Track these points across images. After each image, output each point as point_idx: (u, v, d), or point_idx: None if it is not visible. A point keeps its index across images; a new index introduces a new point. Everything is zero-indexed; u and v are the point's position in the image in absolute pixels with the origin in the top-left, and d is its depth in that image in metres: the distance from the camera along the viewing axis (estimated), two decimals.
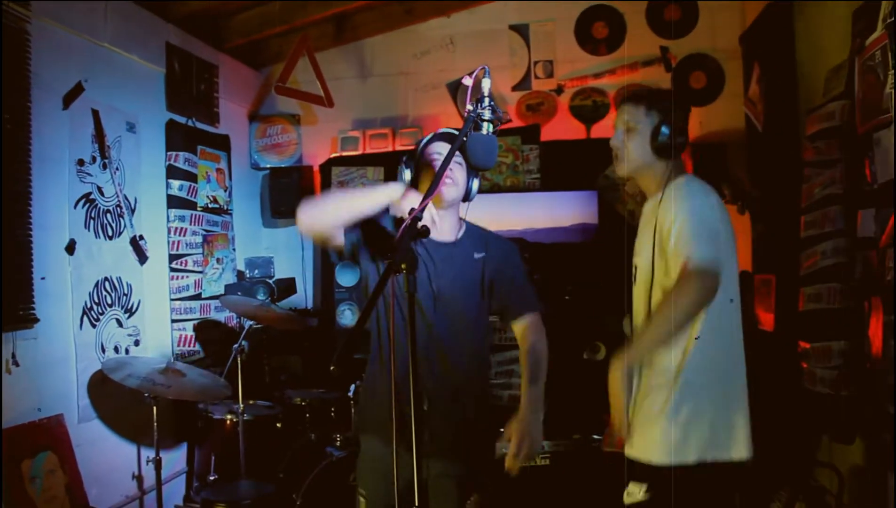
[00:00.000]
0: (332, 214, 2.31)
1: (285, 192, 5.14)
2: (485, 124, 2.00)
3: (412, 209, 1.67)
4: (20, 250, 3.12)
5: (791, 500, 3.08)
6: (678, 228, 2.09)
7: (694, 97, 4.74)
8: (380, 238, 2.42)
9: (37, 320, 3.19)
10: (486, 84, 2.04)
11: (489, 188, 4.89)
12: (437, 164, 2.41)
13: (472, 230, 2.57)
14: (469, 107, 2.00)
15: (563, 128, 4.94)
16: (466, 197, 2.49)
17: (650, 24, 4.84)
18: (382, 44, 5.26)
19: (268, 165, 5.31)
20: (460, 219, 2.55)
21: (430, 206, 2.44)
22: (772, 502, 3.11)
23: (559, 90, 4.98)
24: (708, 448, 2.14)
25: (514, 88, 5.06)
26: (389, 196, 2.19)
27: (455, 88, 5.03)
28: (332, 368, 1.37)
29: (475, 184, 2.49)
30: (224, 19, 4.68)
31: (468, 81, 2.06)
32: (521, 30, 5.04)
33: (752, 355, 3.83)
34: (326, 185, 5.16)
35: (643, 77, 4.82)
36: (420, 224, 1.62)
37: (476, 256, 2.47)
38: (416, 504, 1.58)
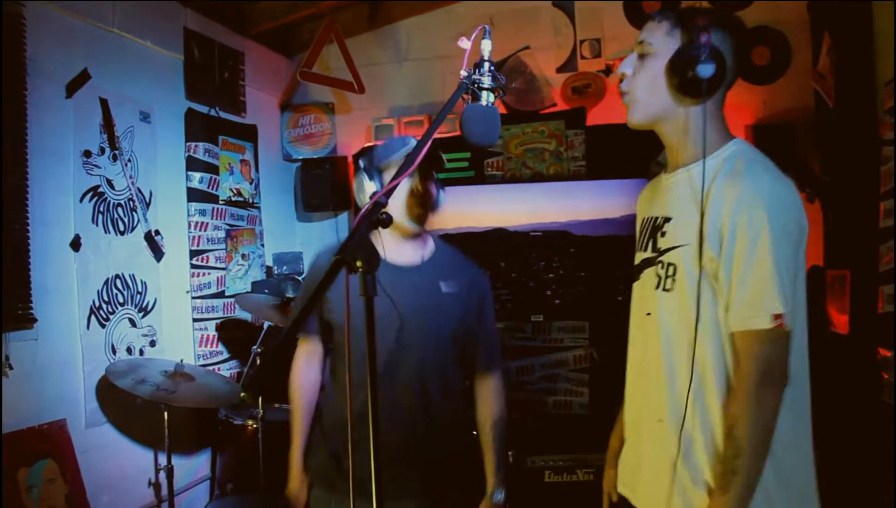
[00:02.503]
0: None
1: (317, 184, 4.89)
2: (484, 93, 1.68)
3: (374, 193, 1.37)
4: (16, 247, 2.93)
5: None
6: (756, 251, 1.52)
7: (757, 75, 4.30)
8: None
9: (35, 320, 3.00)
10: (486, 46, 1.73)
11: (530, 177, 4.54)
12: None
13: (441, 254, 2.27)
14: (463, 73, 1.68)
15: (610, 111, 4.54)
16: (434, 208, 2.19)
17: None
18: (418, 26, 4.96)
19: (300, 157, 5.07)
20: (427, 236, 2.25)
21: (389, 232, 2.15)
22: None
23: (607, 71, 4.58)
24: None
25: (559, 70, 4.68)
26: None
27: (496, 69, 4.70)
28: (241, 395, 1.08)
29: (441, 196, 2.18)
30: (249, 3, 4.45)
31: (465, 44, 1.76)
32: (566, 6, 4.65)
33: (824, 362, 3.45)
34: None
35: None
36: (384, 212, 1.30)
37: (445, 289, 2.16)
38: None
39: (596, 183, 4.42)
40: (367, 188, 2.14)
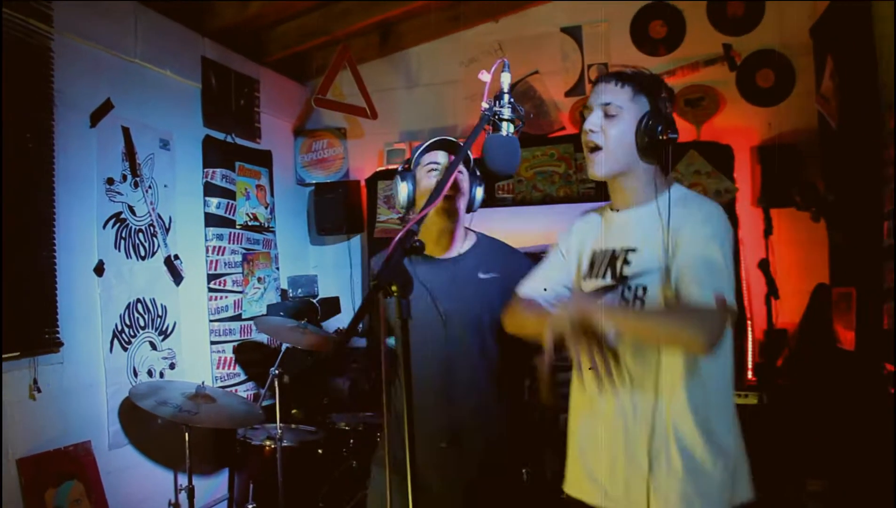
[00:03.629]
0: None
1: (330, 208, 4.99)
2: (504, 124, 1.77)
3: (407, 221, 1.45)
4: (43, 273, 3.02)
5: None
6: (708, 257, 1.73)
7: (761, 97, 4.39)
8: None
9: (61, 344, 3.08)
10: (505, 78, 1.81)
11: (541, 199, 4.62)
12: (433, 175, 2.21)
13: (481, 244, 2.35)
14: (485, 105, 1.77)
15: None
16: (470, 207, 2.26)
17: (711, 20, 4.49)
18: (429, 52, 5.07)
19: (313, 181, 5.17)
20: (466, 229, 2.32)
21: (426, 228, 2.25)
22: None
23: None
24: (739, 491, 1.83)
25: (567, 94, 4.78)
26: None
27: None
28: (293, 411, 1.15)
29: (479, 192, 2.25)
30: (264, 32, 4.56)
31: (485, 77, 1.84)
32: (573, 32, 4.76)
33: (832, 378, 3.50)
34: (372, 199, 4.98)
35: (705, 77, 4.48)
36: (416, 239, 1.38)
37: (482, 275, 2.24)
38: None
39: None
40: (400, 190, 2.25)
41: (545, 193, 4.63)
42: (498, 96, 1.79)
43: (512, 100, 1.78)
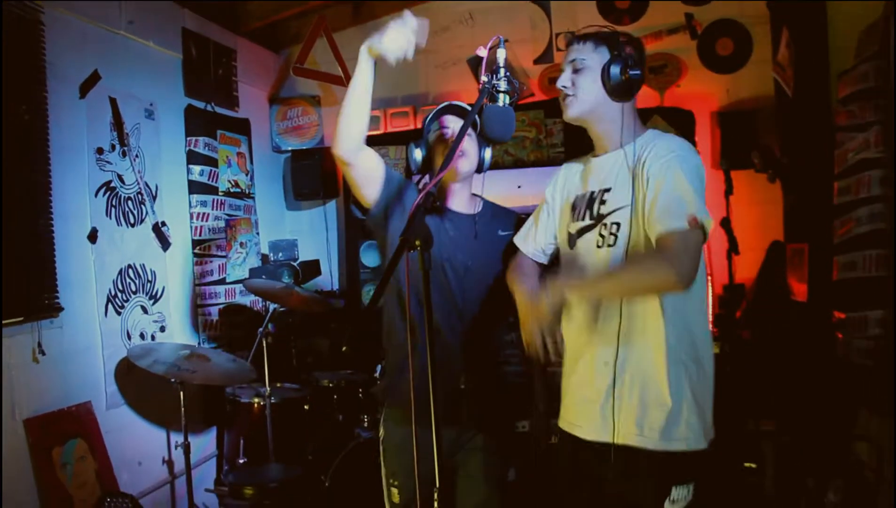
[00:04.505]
0: (344, 119, 2.23)
1: (307, 174, 5.12)
2: (501, 96, 1.95)
3: (425, 184, 1.62)
4: (42, 240, 3.12)
5: (827, 474, 3.01)
6: (677, 192, 1.88)
7: (720, 64, 4.62)
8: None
9: (61, 308, 3.19)
10: (501, 54, 1.98)
11: (512, 163, 4.81)
12: (448, 135, 2.37)
13: (490, 207, 2.52)
14: (484, 78, 1.94)
15: None
16: (479, 169, 2.44)
17: None
18: None
19: (289, 148, 5.28)
20: (474, 195, 2.50)
21: (448, 183, 2.42)
22: (807, 477, 3.04)
23: None
24: (710, 428, 2.04)
25: (536, 62, 4.96)
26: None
27: (476, 64, 4.93)
28: (343, 349, 1.33)
29: (487, 154, 2.43)
30: (240, 3, 4.63)
31: (483, 52, 2.01)
32: (542, 2, 4.92)
33: (786, 326, 3.77)
34: None
35: (668, 45, 4.70)
36: (435, 200, 1.56)
37: (502, 233, 2.43)
38: (437, 484, 1.54)
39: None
40: (414, 154, 2.43)
41: (516, 157, 4.82)
42: (495, 71, 1.95)
43: (508, 74, 1.95)
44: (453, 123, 2.40)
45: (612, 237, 2.02)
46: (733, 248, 3.55)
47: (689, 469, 1.98)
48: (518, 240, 2.34)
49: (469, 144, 2.37)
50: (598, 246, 2.06)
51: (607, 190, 2.07)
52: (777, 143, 4.18)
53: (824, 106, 3.40)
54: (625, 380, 1.99)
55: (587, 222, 2.11)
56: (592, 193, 2.12)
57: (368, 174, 2.31)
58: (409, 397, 2.26)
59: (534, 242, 2.31)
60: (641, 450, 1.97)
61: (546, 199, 2.33)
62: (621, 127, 2.07)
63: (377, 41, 2.04)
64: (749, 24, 4.58)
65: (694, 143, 4.48)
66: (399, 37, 2.03)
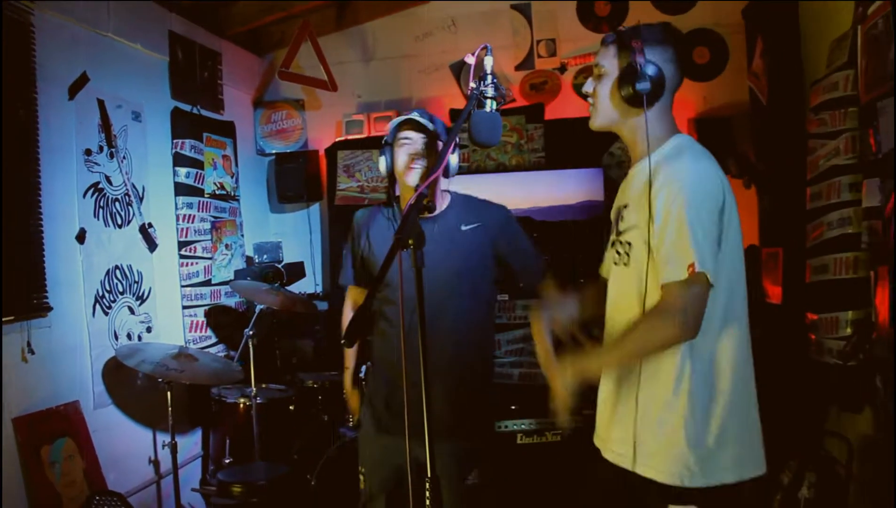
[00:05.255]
0: None
1: (291, 177, 5.18)
2: (488, 102, 2.02)
3: (417, 186, 1.69)
4: (32, 240, 3.15)
5: (801, 470, 3.09)
6: (678, 238, 1.78)
7: (698, 72, 4.73)
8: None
9: (50, 308, 3.23)
10: (488, 62, 2.05)
11: (494, 168, 4.90)
12: (406, 147, 2.48)
13: (458, 201, 2.60)
14: (472, 85, 2.01)
15: (566, 106, 4.94)
16: (446, 173, 2.51)
17: (652, 0, 4.82)
18: (384, 27, 5.26)
19: (273, 151, 5.33)
20: (443, 192, 2.57)
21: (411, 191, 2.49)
22: (781, 472, 3.13)
23: (562, 69, 4.97)
24: (745, 465, 1.91)
25: (518, 68, 5.05)
26: None
27: (458, 69, 5.03)
28: (343, 342, 1.40)
29: (453, 159, 2.49)
30: (225, 7, 4.67)
31: (471, 60, 2.07)
32: (523, 9, 5.01)
33: (761, 328, 3.86)
34: (332, 169, 5.17)
35: None
36: (426, 201, 1.64)
37: (464, 227, 2.50)
38: (410, 487, 1.61)
39: (554, 173, 4.79)
40: (381, 162, 2.55)
41: (498, 162, 4.91)
42: (482, 77, 2.03)
43: (495, 80, 2.03)
44: (411, 135, 2.50)
45: (626, 257, 1.98)
46: None
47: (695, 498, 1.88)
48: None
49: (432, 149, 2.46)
50: (615, 263, 2.05)
51: (626, 205, 2.03)
52: (752, 149, 4.29)
53: (798, 114, 3.51)
54: (639, 409, 1.93)
55: (613, 236, 2.11)
56: (619, 207, 2.09)
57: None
58: (379, 394, 2.35)
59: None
60: (651, 481, 1.91)
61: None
62: (642, 140, 1.95)
63: None
64: (725, 33, 4.70)
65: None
66: None
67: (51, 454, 3.15)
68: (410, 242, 1.57)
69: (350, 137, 5.17)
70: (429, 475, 1.56)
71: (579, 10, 4.94)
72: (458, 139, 2.55)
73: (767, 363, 3.61)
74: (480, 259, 2.49)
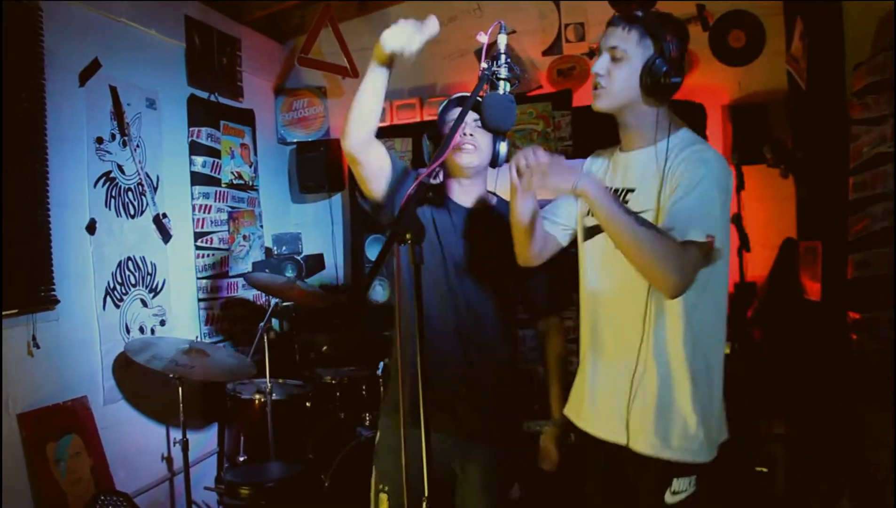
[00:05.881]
0: (354, 113, 2.10)
1: (312, 166, 5.05)
2: (501, 83, 1.87)
3: (419, 174, 1.55)
4: (38, 231, 3.06)
5: (840, 479, 2.93)
6: (705, 205, 1.77)
7: (732, 56, 4.51)
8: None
9: (58, 301, 3.14)
10: (502, 40, 1.90)
11: None
12: (464, 129, 2.28)
13: (503, 204, 2.42)
14: (483, 65, 1.86)
15: None
16: (494, 163, 2.34)
17: None
18: (407, 12, 4.94)
19: (294, 140, 5.21)
20: (489, 193, 2.41)
21: (460, 176, 2.34)
22: (820, 481, 2.96)
23: (591, 54, 4.76)
24: (722, 430, 1.98)
25: (545, 53, 4.86)
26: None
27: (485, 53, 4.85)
28: (324, 348, 1.26)
29: (503, 147, 2.33)
30: None
31: (483, 38, 1.92)
32: None
33: (799, 326, 3.68)
34: None
35: None
36: (428, 191, 1.49)
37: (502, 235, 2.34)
38: (426, 494, 1.46)
39: (582, 162, 4.59)
40: (425, 149, 2.42)
41: None
42: (495, 57, 1.87)
43: (508, 60, 1.87)
44: (469, 115, 2.32)
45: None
46: (744, 245, 3.48)
47: (693, 468, 1.91)
48: (543, 212, 2.19)
49: (481, 137, 2.28)
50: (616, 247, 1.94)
51: (631, 190, 1.97)
52: (790, 137, 4.09)
53: (839, 98, 3.32)
54: (642, 386, 1.92)
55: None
56: (616, 190, 2.00)
57: (377, 169, 2.21)
58: (400, 400, 2.21)
59: (553, 215, 2.19)
60: (651, 457, 1.90)
61: None
62: (655, 124, 1.95)
63: (386, 34, 1.94)
64: (762, 14, 4.46)
65: (705, 137, 4.38)
66: (405, 29, 1.92)
67: (56, 451, 3.07)
68: (408, 236, 1.42)
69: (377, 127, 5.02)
70: (426, 494, 1.42)
71: None
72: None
73: (806, 363, 3.46)
74: (506, 268, 2.30)
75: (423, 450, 1.44)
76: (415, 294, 1.45)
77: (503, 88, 1.87)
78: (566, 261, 2.33)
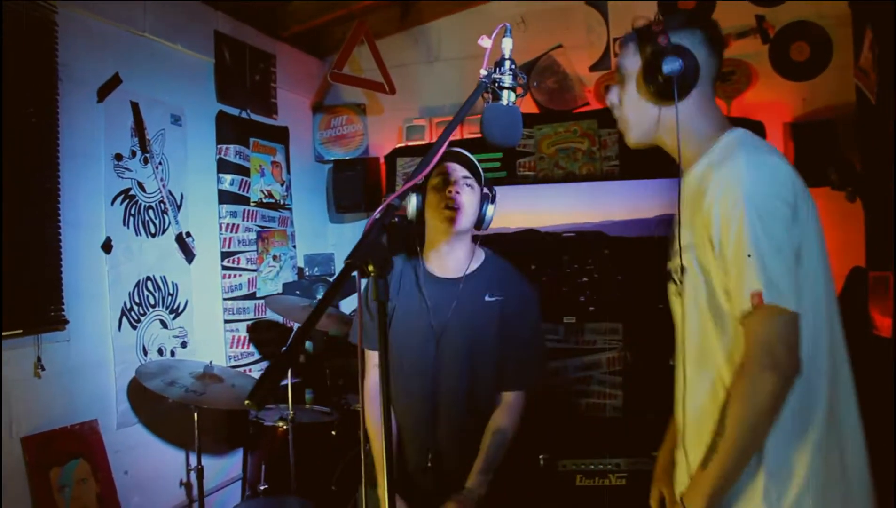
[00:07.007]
0: None
1: (349, 185, 4.90)
2: (505, 92, 1.65)
3: (386, 197, 1.34)
4: (48, 249, 2.96)
5: None
6: (740, 262, 1.47)
7: (796, 71, 4.19)
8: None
9: (67, 321, 3.03)
10: (507, 44, 1.69)
11: (562, 177, 4.47)
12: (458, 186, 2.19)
13: (489, 264, 2.28)
14: (483, 72, 1.65)
15: None
16: (479, 225, 2.17)
17: None
18: (449, 26, 4.93)
19: (332, 158, 5.08)
20: (475, 247, 2.26)
21: (431, 245, 2.23)
22: None
23: None
24: None
25: (592, 68, 4.62)
26: None
27: (528, 70, 4.64)
28: (246, 402, 1.05)
29: (490, 210, 2.15)
30: (280, 6, 4.45)
31: (486, 43, 1.71)
32: (599, 5, 4.58)
33: (868, 365, 3.34)
34: (392, 177, 4.86)
35: (737, 51, 4.29)
36: (395, 215, 1.28)
37: (489, 298, 2.21)
38: None
39: (629, 183, 4.32)
40: (412, 200, 2.27)
41: (567, 170, 4.47)
42: (499, 63, 1.66)
43: (514, 66, 1.66)
44: (452, 171, 2.18)
45: (681, 285, 1.66)
46: None
47: None
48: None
49: (468, 197, 2.13)
50: (675, 295, 1.72)
51: (679, 222, 1.70)
52: (858, 157, 3.76)
53: None
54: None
55: (670, 257, 1.77)
56: (673, 221, 1.76)
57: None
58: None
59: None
60: None
61: None
62: (693, 135, 1.68)
63: None
64: (828, 25, 4.14)
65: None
66: None
67: (61, 476, 2.94)
68: (370, 268, 1.20)
69: (410, 143, 4.86)
70: None
71: (661, 4, 4.46)
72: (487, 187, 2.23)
73: (876, 407, 3.12)
74: (497, 334, 2.19)
75: None
76: (379, 337, 1.24)
77: (507, 97, 1.65)
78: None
